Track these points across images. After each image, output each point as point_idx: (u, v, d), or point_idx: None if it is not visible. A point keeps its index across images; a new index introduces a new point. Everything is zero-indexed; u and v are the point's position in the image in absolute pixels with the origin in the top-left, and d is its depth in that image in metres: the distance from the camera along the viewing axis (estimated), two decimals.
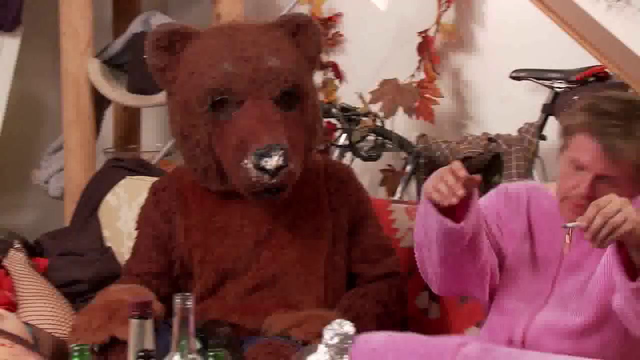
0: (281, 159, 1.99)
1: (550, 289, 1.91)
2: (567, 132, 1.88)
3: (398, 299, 2.19)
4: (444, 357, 1.74)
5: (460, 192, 1.76)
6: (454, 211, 1.82)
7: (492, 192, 2.06)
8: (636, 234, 1.68)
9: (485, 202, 2.02)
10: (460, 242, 1.83)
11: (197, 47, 2.11)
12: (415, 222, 1.94)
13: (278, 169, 1.99)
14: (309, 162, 2.17)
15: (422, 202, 1.85)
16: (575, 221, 1.74)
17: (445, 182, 1.76)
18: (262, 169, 1.99)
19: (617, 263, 1.74)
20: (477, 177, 1.78)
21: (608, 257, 1.83)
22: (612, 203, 1.67)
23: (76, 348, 1.45)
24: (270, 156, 1.98)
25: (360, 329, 2.02)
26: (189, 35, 2.12)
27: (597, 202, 1.69)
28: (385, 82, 3.21)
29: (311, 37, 2.15)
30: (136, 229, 2.30)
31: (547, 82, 3.04)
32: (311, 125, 2.15)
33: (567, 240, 1.91)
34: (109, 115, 3.58)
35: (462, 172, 1.76)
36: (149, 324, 1.48)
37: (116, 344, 1.94)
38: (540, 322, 1.88)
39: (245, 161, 2.01)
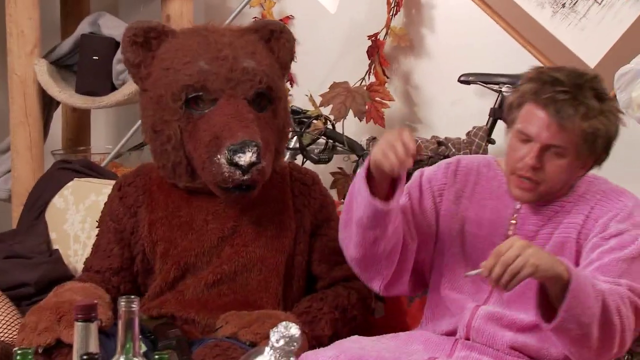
0: (254, 155, 2.02)
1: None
2: (514, 106, 1.87)
3: (358, 304, 2.20)
4: None
5: (410, 163, 1.75)
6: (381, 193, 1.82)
7: (442, 166, 2.03)
8: (539, 276, 1.70)
9: (434, 174, 2.02)
10: (382, 223, 1.82)
11: (173, 45, 2.14)
12: (345, 200, 1.93)
13: (251, 165, 2.02)
14: (277, 164, 2.20)
15: (359, 175, 1.84)
16: (479, 268, 1.74)
17: (394, 152, 1.75)
18: (235, 165, 2.02)
19: (536, 303, 1.76)
20: (420, 146, 1.78)
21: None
22: (511, 249, 1.68)
23: (19, 352, 1.43)
24: (244, 152, 2.01)
25: (316, 332, 2.04)
26: (166, 33, 2.16)
27: (497, 249, 1.70)
28: (335, 85, 3.22)
29: (284, 43, 2.20)
30: (98, 226, 2.29)
31: (494, 87, 3.07)
32: (281, 128, 2.18)
33: (510, 233, 1.93)
34: (58, 116, 3.55)
35: (412, 145, 1.75)
36: (93, 327, 1.47)
37: (62, 347, 1.92)
38: (485, 313, 1.91)
39: (219, 156, 2.03)
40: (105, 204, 2.29)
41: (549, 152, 1.82)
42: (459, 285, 1.95)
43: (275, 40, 2.19)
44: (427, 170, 2.04)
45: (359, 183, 1.84)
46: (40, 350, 1.92)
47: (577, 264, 1.86)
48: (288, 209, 2.19)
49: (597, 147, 1.83)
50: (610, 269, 1.80)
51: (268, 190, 2.16)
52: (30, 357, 1.42)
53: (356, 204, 1.86)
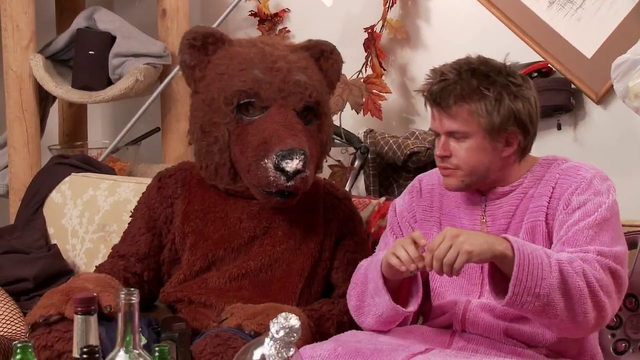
0: (301, 163, 2.10)
1: (480, 275, 1.94)
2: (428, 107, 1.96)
3: None
4: None
5: (421, 264, 1.80)
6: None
7: (407, 191, 2.10)
8: (477, 260, 1.74)
9: (403, 203, 2.08)
10: (403, 317, 1.92)
11: (229, 52, 2.23)
12: (357, 278, 2.00)
13: (296, 172, 2.10)
14: (314, 177, 2.27)
15: (376, 276, 1.90)
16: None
17: (406, 250, 1.81)
18: (282, 170, 2.10)
19: (489, 281, 1.80)
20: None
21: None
22: (443, 242, 1.73)
23: (19, 345, 1.43)
24: (292, 159, 2.09)
25: (321, 329, 2.08)
26: (223, 40, 2.25)
27: (430, 244, 1.76)
28: None
29: (333, 64, 2.30)
30: (131, 215, 2.35)
31: None
32: (324, 143, 2.27)
33: (484, 221, 1.94)
34: (55, 111, 3.54)
35: (423, 240, 1.81)
36: (93, 319, 1.47)
37: (65, 320, 1.95)
38: (477, 305, 1.93)
39: (266, 160, 2.11)
40: (142, 194, 2.36)
41: (453, 138, 1.89)
42: (445, 292, 1.99)
43: (325, 59, 2.29)
44: (397, 203, 2.10)
45: (375, 284, 1.91)
46: (41, 320, 1.94)
47: (550, 245, 1.88)
48: (318, 217, 2.27)
49: (495, 121, 1.86)
50: (577, 239, 1.82)
51: (302, 198, 2.24)
52: (30, 350, 1.42)
53: (373, 302, 1.93)
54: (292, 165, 2.09)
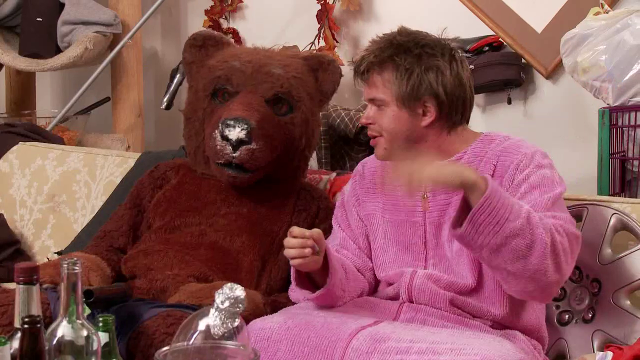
0: (244, 132, 2.16)
1: (424, 250, 1.96)
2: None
3: None
4: (335, 349, 1.76)
5: (307, 250, 1.82)
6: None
7: (351, 177, 2.12)
8: (444, 181, 1.75)
9: (349, 189, 2.10)
10: (333, 295, 1.92)
11: (224, 52, 2.37)
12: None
13: (240, 142, 2.16)
14: (289, 172, 2.31)
15: (295, 284, 1.94)
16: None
17: (291, 247, 1.83)
18: (226, 139, 2.17)
19: (456, 213, 1.79)
20: (313, 232, 1.84)
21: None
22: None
23: None
24: (234, 127, 2.16)
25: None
26: (222, 43, 2.40)
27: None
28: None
29: (329, 75, 2.36)
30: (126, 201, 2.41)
31: None
32: (297, 139, 2.29)
33: (427, 206, 1.97)
34: (2, 79, 3.49)
35: (296, 230, 1.83)
36: (35, 289, 1.46)
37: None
38: (423, 274, 1.94)
39: (216, 131, 2.20)
40: (138, 179, 2.45)
41: (375, 107, 1.95)
42: (390, 266, 2.01)
43: (323, 71, 2.35)
44: (345, 191, 2.13)
45: (297, 292, 1.96)
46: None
47: None
48: (288, 205, 2.31)
49: (404, 90, 1.90)
50: (535, 207, 1.82)
51: (276, 186, 2.30)
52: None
53: (302, 295, 1.96)
54: (234, 132, 2.16)
